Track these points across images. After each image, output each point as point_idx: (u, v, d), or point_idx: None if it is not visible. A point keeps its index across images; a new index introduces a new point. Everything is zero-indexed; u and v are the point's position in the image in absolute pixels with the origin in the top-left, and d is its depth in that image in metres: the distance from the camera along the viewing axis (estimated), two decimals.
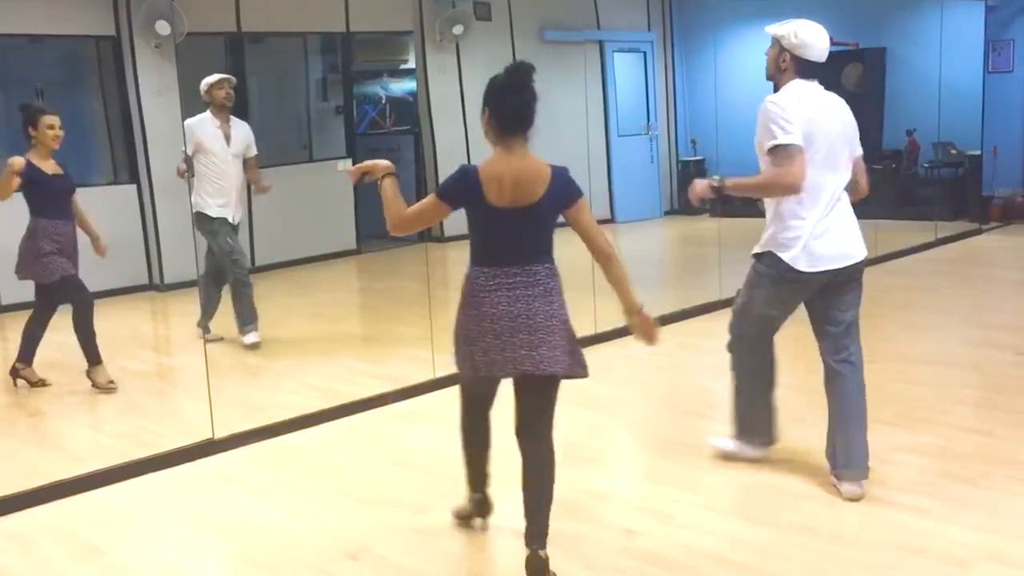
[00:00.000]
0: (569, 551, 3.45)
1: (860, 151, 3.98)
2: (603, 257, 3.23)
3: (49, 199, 5.67)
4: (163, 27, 8.32)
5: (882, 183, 11.48)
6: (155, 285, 8.89)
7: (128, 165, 8.92)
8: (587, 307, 6.53)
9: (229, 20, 9.39)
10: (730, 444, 4.24)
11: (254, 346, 6.58)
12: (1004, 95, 10.87)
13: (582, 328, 6.31)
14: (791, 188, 3.68)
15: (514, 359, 3.11)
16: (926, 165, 11.09)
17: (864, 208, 4.13)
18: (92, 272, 8.08)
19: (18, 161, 5.50)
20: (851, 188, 3.97)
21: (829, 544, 3.41)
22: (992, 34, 10.91)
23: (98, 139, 9.44)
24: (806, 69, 3.85)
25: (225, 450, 4.68)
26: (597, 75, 12.08)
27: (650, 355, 6.17)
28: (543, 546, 3.18)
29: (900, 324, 6.89)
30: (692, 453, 4.40)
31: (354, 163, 11.85)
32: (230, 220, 6.61)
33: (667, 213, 12.79)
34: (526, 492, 3.24)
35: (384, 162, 3.35)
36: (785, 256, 3.80)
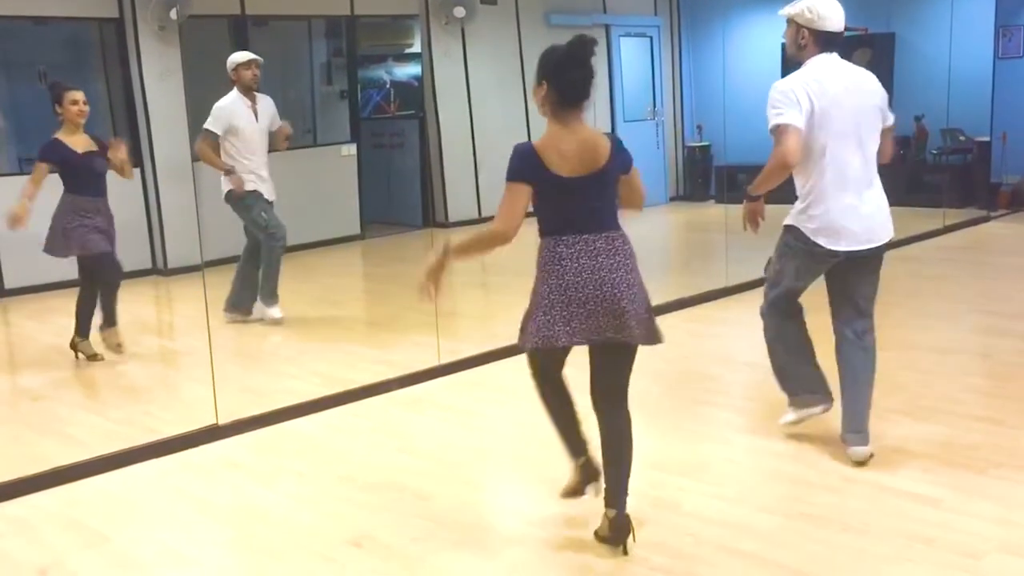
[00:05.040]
0: (574, 540, 3.43)
1: (890, 121, 4.01)
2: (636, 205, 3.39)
3: (81, 177, 5.68)
4: (175, 12, 8.33)
5: (890, 170, 11.36)
6: (158, 269, 8.87)
7: (131, 149, 8.87)
8: None
9: (233, 2, 9.33)
10: (790, 415, 4.21)
11: (278, 321, 6.72)
12: (1014, 81, 10.78)
13: None
14: (784, 166, 3.76)
15: (598, 327, 3.14)
16: (934, 152, 11.02)
17: None
18: None
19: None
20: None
21: (838, 533, 3.37)
22: (1002, 19, 10.82)
23: (101, 122, 9.40)
24: (826, 42, 3.92)
25: (229, 436, 4.66)
26: (603, 60, 11.99)
27: None
28: (625, 506, 3.28)
29: (908, 311, 6.84)
30: (699, 440, 4.36)
31: (359, 149, 11.78)
32: (265, 196, 6.67)
33: (673, 199, 12.73)
34: (607, 456, 3.32)
35: (433, 263, 3.20)
36: (808, 231, 3.86)
